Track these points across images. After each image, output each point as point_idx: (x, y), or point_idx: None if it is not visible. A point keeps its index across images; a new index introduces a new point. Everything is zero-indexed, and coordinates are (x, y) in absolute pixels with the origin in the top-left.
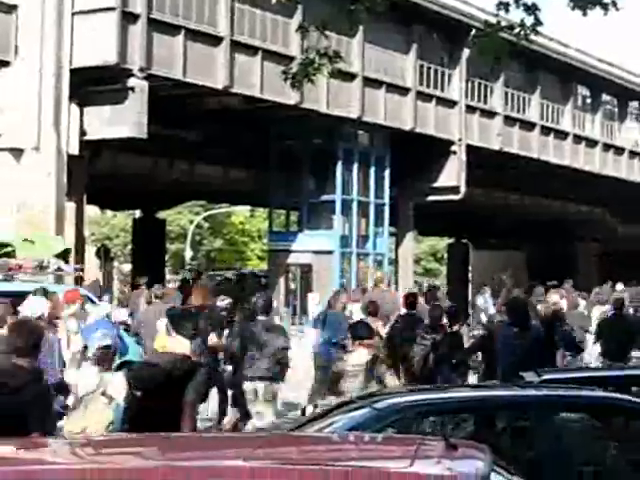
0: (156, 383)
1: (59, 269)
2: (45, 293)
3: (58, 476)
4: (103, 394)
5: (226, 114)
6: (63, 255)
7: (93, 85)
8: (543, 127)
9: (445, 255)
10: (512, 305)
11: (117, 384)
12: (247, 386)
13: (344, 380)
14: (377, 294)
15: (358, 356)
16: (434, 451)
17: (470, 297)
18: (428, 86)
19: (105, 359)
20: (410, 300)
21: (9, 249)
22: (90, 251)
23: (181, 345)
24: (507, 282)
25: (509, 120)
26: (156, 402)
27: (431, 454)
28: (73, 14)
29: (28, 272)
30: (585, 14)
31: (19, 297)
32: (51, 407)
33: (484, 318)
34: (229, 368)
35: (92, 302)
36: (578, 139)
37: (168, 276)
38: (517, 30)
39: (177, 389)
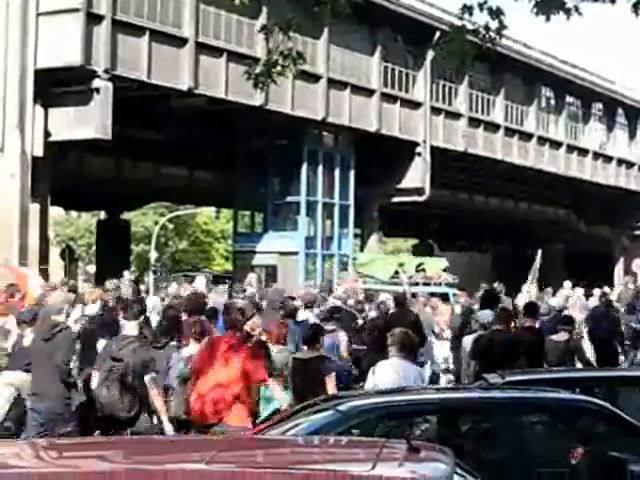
0: None
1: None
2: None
3: None
4: None
5: (191, 115)
6: (444, 270)
7: (58, 86)
8: (507, 128)
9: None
10: None
11: None
12: None
13: None
14: None
15: None
16: (397, 454)
17: None
18: (393, 88)
19: None
20: None
21: (423, 266)
22: (54, 252)
23: None
24: None
25: (474, 121)
26: None
27: (393, 457)
28: (38, 15)
29: (434, 281)
30: (548, 19)
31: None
32: None
33: None
34: None
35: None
36: (542, 140)
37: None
38: (482, 34)
39: None
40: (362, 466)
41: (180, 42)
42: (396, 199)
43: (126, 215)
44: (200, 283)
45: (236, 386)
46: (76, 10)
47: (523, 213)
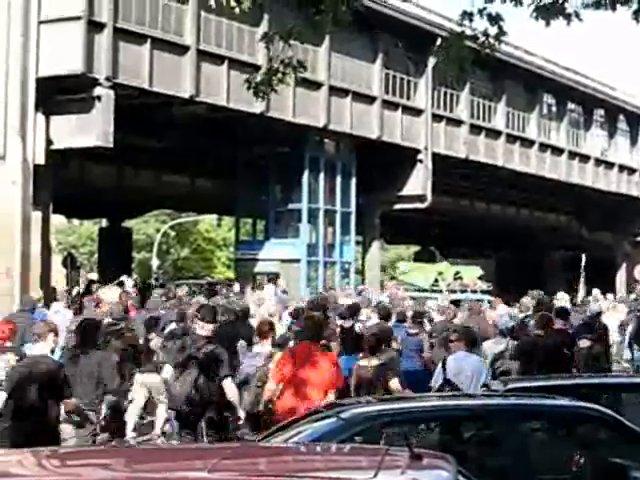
0: None
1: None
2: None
3: None
4: None
5: (192, 123)
6: (480, 277)
7: (59, 94)
8: (509, 135)
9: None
10: None
11: None
12: None
13: None
14: None
15: None
16: (399, 461)
17: None
18: (394, 95)
19: None
20: None
21: (460, 274)
22: (56, 260)
23: None
24: None
25: (475, 128)
26: None
27: (396, 464)
28: (39, 23)
29: (470, 288)
30: (548, 24)
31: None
32: None
33: None
34: None
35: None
36: (544, 147)
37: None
38: (481, 40)
39: None
40: (364, 474)
41: (181, 50)
42: (398, 206)
43: (128, 223)
44: (269, 290)
45: (320, 392)
46: (78, 18)
47: (525, 220)
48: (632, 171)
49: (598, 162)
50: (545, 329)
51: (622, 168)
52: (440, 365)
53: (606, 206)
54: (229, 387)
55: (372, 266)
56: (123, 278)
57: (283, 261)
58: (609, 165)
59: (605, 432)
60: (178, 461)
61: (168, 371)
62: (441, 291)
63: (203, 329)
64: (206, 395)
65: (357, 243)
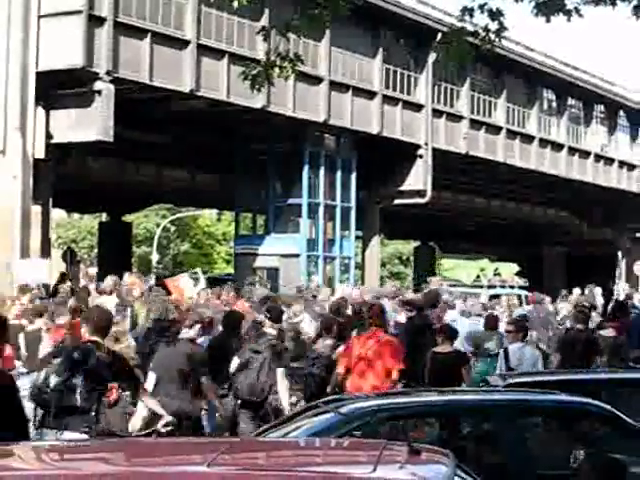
0: None
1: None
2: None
3: None
4: None
5: (192, 117)
6: (516, 273)
7: (59, 88)
8: (509, 131)
9: (411, 258)
10: None
11: None
12: None
13: None
14: None
15: None
16: (398, 456)
17: None
18: (394, 90)
19: None
20: None
21: (498, 271)
22: (56, 254)
23: None
24: None
25: (475, 124)
26: None
27: (395, 459)
28: (39, 17)
29: (508, 284)
30: (549, 20)
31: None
32: None
33: None
34: None
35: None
36: (544, 143)
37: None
38: (482, 35)
39: None
40: (363, 468)
41: (182, 44)
42: (398, 201)
43: (128, 217)
44: (346, 290)
45: (384, 373)
46: (78, 12)
47: (524, 215)
48: (632, 167)
49: (598, 158)
50: (585, 324)
51: (622, 164)
52: (502, 354)
53: (606, 202)
54: (279, 378)
55: (372, 261)
56: (197, 270)
57: (283, 256)
58: (609, 161)
59: (604, 427)
60: (177, 455)
61: (234, 362)
62: (482, 286)
63: (269, 326)
64: (267, 385)
65: (357, 238)
